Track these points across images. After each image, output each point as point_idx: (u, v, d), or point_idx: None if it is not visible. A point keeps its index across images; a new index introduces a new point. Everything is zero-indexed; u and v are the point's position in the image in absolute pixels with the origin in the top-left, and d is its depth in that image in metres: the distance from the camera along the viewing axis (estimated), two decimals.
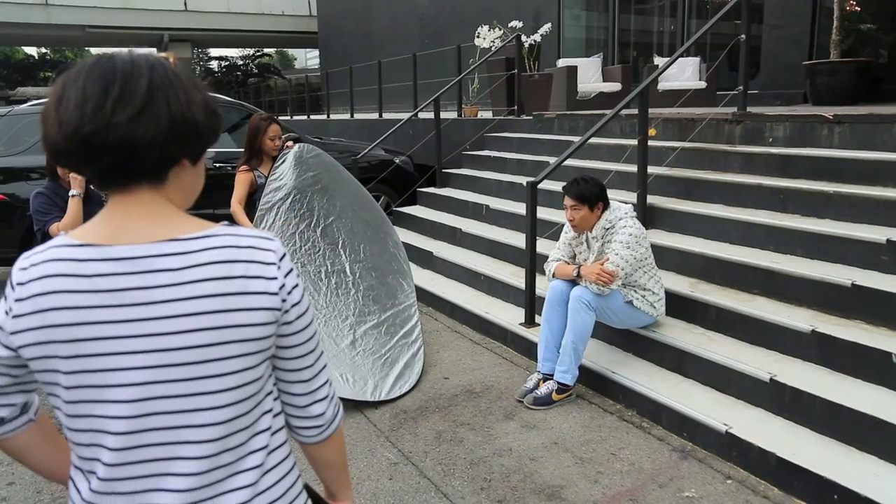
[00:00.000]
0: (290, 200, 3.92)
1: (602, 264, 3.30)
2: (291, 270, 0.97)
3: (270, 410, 0.99)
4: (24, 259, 0.91)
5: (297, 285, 0.97)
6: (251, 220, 3.78)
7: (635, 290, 3.40)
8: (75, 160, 0.88)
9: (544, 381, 3.45)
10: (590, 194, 3.37)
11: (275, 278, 0.94)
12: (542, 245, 4.41)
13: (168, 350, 0.88)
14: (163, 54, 0.95)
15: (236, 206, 3.81)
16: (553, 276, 3.57)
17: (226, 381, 0.90)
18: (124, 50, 0.92)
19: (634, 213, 3.43)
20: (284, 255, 0.97)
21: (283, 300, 0.95)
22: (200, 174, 0.98)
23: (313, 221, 4.03)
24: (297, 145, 4.05)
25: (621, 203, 3.48)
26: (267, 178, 3.88)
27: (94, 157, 0.86)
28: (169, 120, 0.87)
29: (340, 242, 4.11)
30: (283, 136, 4.65)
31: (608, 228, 3.39)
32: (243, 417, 0.94)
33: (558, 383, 3.34)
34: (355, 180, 4.36)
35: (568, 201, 3.41)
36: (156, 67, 0.89)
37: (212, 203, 4.92)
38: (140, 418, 0.88)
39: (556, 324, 3.46)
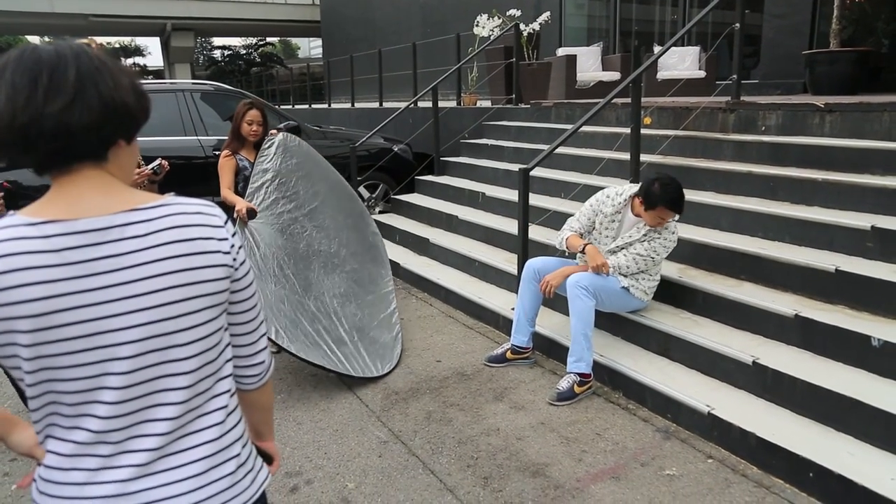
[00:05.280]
0: (277, 181, 4.01)
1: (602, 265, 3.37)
2: (236, 233, 1.07)
3: (232, 358, 1.11)
4: None
5: (241, 246, 1.09)
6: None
7: (634, 278, 3.43)
8: (14, 150, 0.92)
9: (512, 352, 3.73)
10: (682, 200, 3.28)
11: (225, 239, 1.04)
12: (535, 231, 4.46)
13: (146, 309, 0.96)
14: (84, 41, 1.00)
15: (226, 192, 3.83)
16: (564, 245, 3.59)
17: (196, 332, 1.01)
18: (45, 41, 0.98)
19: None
20: (227, 219, 1.07)
21: (234, 258, 1.06)
22: (135, 152, 1.06)
23: (300, 203, 4.13)
24: (281, 134, 4.14)
25: None
26: (253, 162, 3.94)
27: (32, 146, 0.91)
28: (101, 105, 0.93)
29: (325, 226, 4.22)
30: (281, 125, 4.72)
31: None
32: (210, 365, 1.05)
33: (577, 374, 3.32)
34: (335, 171, 4.46)
35: (664, 212, 3.27)
36: (81, 56, 0.94)
37: (214, 190, 4.98)
38: (134, 373, 0.96)
39: (528, 300, 3.67)
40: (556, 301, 4.00)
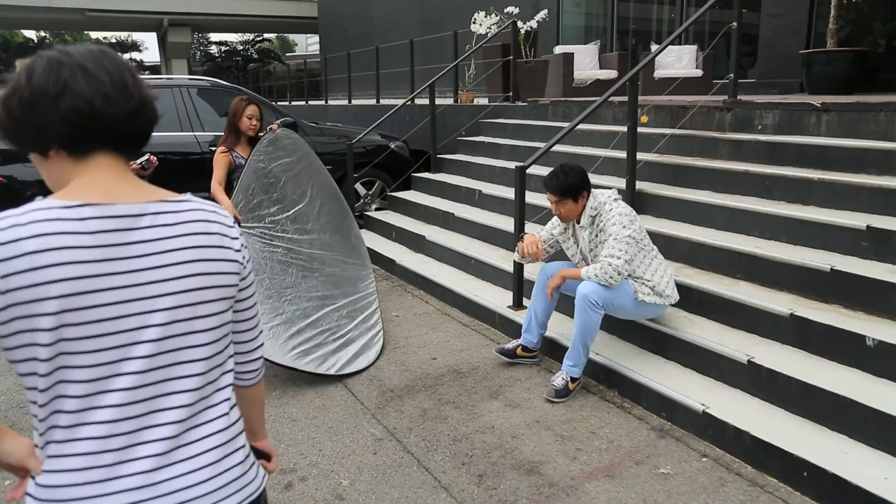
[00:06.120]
0: (266, 182, 4.03)
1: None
2: (243, 234, 1.09)
3: (233, 354, 1.16)
4: None
5: (246, 246, 1.14)
6: (230, 199, 3.89)
7: (637, 282, 3.30)
8: (113, 126, 0.98)
9: (522, 349, 3.71)
10: (571, 185, 3.28)
11: (236, 238, 1.11)
12: (531, 229, 4.45)
13: (172, 294, 1.00)
14: None
15: (216, 187, 3.88)
16: (519, 253, 3.65)
17: (210, 321, 1.05)
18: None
19: (618, 196, 3.41)
20: (236, 221, 1.10)
21: (244, 257, 1.12)
22: None
23: (284, 206, 4.15)
24: (279, 129, 4.16)
25: (603, 189, 3.46)
26: (247, 159, 3.96)
27: (134, 121, 1.00)
28: (154, 103, 1.05)
29: (308, 229, 4.25)
30: (278, 121, 4.73)
31: (594, 216, 3.35)
32: (219, 355, 1.08)
33: (570, 376, 3.34)
34: (326, 171, 4.52)
35: (551, 197, 3.35)
36: None
37: (209, 186, 5.00)
38: (155, 357, 0.98)
39: (540, 305, 3.62)
40: (563, 303, 3.93)
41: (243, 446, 1.10)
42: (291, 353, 3.59)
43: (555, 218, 3.60)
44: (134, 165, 3.27)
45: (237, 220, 3.83)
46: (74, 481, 0.95)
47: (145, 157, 3.33)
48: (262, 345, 1.23)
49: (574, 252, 3.55)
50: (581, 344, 3.28)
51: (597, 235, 3.35)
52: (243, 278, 1.12)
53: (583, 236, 3.43)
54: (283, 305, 3.84)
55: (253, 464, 1.13)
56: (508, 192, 5.36)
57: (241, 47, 34.58)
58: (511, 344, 3.76)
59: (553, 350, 3.80)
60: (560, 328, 3.83)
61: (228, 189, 3.95)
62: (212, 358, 1.06)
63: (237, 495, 1.06)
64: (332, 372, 3.60)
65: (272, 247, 4.01)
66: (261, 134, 4.09)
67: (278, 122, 5.22)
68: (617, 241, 3.20)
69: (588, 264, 3.45)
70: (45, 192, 0.99)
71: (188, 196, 1.07)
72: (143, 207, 1.00)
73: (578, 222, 3.43)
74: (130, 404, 0.97)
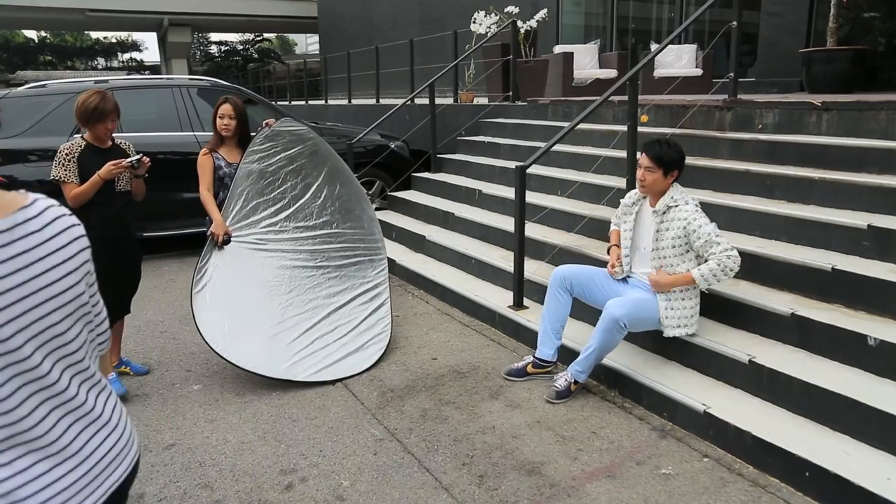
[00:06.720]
0: (261, 183, 3.96)
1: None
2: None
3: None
4: None
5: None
6: (220, 204, 3.85)
7: (671, 299, 3.17)
8: None
9: (534, 366, 3.54)
10: (669, 158, 3.18)
11: (80, 224, 1.15)
12: (531, 229, 4.45)
13: (55, 296, 1.04)
14: None
15: (206, 196, 3.80)
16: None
17: (85, 308, 1.13)
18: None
19: (699, 207, 3.22)
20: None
21: (87, 241, 1.16)
22: None
23: (284, 204, 4.08)
24: (276, 123, 4.07)
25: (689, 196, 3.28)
26: (230, 163, 3.89)
27: None
28: None
29: (311, 224, 4.16)
30: (277, 119, 4.69)
31: (670, 207, 3.19)
32: (92, 332, 1.18)
33: (575, 380, 3.31)
34: (335, 154, 4.39)
35: (644, 160, 3.22)
36: None
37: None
38: (49, 352, 1.04)
39: (555, 310, 3.49)
40: (584, 311, 3.88)
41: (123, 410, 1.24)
42: (292, 360, 3.56)
43: (626, 197, 3.49)
44: (124, 163, 3.23)
45: (227, 236, 3.76)
46: (17, 484, 1.00)
47: (137, 156, 3.30)
48: (106, 318, 1.29)
49: (627, 228, 3.39)
50: (596, 357, 3.25)
51: (666, 230, 3.18)
52: (90, 261, 1.16)
53: (648, 221, 3.28)
54: (282, 313, 3.76)
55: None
56: (508, 192, 5.35)
57: (241, 47, 34.58)
58: (520, 363, 3.58)
59: (561, 355, 3.73)
60: (575, 335, 3.72)
61: (215, 192, 3.87)
62: (88, 334, 1.15)
63: (133, 450, 1.22)
64: (328, 378, 3.58)
65: (268, 252, 3.92)
66: (252, 134, 4.03)
67: (282, 119, 5.19)
68: (720, 237, 3.08)
69: (630, 252, 3.36)
70: (47, 191, 0.99)
71: (36, 195, 1.08)
72: (13, 219, 1.00)
73: (652, 206, 3.27)
74: (41, 404, 1.02)
